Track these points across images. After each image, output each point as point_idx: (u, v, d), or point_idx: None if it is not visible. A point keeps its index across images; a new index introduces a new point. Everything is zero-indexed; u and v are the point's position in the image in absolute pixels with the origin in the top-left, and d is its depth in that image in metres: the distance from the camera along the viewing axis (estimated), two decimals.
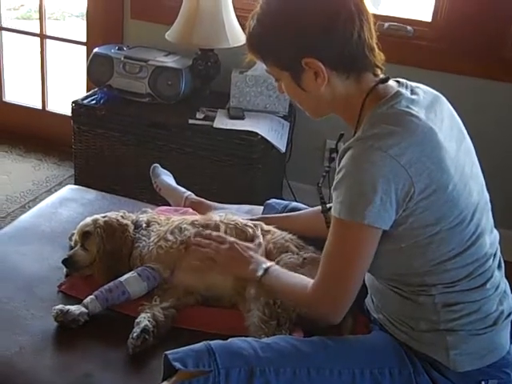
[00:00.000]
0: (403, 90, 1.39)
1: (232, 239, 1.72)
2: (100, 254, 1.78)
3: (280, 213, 1.94)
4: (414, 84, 1.45)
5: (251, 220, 1.84)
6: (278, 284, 1.57)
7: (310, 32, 1.34)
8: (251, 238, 1.75)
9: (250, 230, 1.77)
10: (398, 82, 1.44)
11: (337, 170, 1.38)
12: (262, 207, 2.03)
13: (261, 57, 1.44)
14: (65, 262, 1.79)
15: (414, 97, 1.39)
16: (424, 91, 1.43)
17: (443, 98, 1.48)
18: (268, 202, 2.03)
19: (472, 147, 1.49)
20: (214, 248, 1.70)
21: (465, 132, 1.48)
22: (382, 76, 1.42)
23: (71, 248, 1.86)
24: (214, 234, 1.75)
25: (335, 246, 1.38)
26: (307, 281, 1.48)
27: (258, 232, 1.77)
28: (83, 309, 1.62)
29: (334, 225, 1.37)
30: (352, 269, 1.38)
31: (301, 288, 1.49)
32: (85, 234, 1.82)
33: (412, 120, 1.33)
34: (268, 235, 1.78)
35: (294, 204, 1.99)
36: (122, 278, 1.69)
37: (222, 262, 1.69)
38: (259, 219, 1.86)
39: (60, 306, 1.62)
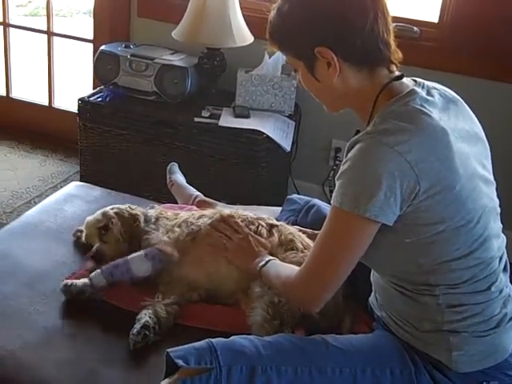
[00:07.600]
0: (419, 90, 1.39)
1: (247, 231, 1.76)
2: (125, 238, 1.82)
3: (302, 207, 1.96)
4: (430, 84, 1.45)
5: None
6: (272, 274, 1.59)
7: (322, 21, 1.35)
8: (260, 233, 1.77)
9: (262, 226, 1.78)
10: (414, 80, 1.44)
11: (343, 161, 1.38)
12: (267, 207, 2.04)
13: (278, 46, 1.45)
14: (94, 256, 1.82)
15: (428, 97, 1.38)
16: (440, 93, 1.42)
17: (461, 102, 1.47)
18: (289, 196, 2.06)
19: (487, 152, 1.48)
20: (229, 234, 1.75)
21: (481, 136, 1.47)
22: (397, 73, 1.42)
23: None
24: (233, 221, 1.78)
25: (331, 234, 1.38)
26: (296, 269, 1.49)
27: (272, 230, 1.78)
28: (86, 281, 1.69)
29: (332, 214, 1.37)
30: (342, 258, 1.37)
31: (288, 275, 1.51)
32: (100, 230, 1.84)
33: (424, 118, 1.33)
34: (277, 229, 1.79)
35: (315, 200, 2.00)
36: (129, 256, 1.75)
37: (231, 250, 1.74)
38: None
39: (65, 281, 1.70)
